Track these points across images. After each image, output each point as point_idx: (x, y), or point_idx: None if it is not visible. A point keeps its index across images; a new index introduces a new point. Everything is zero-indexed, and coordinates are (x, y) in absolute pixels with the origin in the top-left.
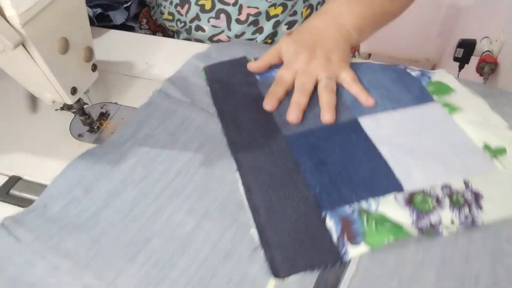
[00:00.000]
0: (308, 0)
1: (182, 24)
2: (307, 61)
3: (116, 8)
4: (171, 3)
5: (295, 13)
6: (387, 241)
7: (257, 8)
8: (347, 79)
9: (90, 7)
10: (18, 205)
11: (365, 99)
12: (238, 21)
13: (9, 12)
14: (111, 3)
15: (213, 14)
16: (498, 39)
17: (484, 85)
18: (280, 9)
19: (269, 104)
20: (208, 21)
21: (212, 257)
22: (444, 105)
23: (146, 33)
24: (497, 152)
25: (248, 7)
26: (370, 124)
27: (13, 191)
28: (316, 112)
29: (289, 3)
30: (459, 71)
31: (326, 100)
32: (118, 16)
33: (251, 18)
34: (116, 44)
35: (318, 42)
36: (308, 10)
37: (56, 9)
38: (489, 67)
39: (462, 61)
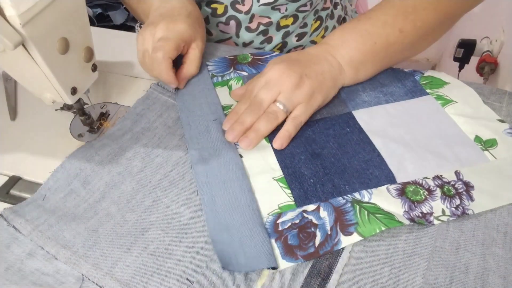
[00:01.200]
0: (318, 13)
1: None
2: (279, 72)
3: (116, 8)
4: None
5: (305, 25)
6: (379, 230)
7: (269, 18)
8: (292, 113)
9: (90, 7)
10: None
11: (278, 141)
12: (248, 29)
13: (9, 12)
14: (111, 3)
15: (223, 19)
16: (498, 39)
17: (484, 85)
18: (291, 20)
19: (231, 135)
20: (217, 26)
21: (207, 246)
22: (437, 98)
23: None
24: (487, 144)
25: (261, 16)
26: (364, 117)
27: (13, 191)
28: None
29: (301, 15)
30: (459, 71)
31: (256, 127)
32: (118, 16)
33: (261, 27)
34: (116, 44)
35: (302, 61)
36: (318, 22)
37: (56, 9)
38: (489, 67)
39: (462, 61)
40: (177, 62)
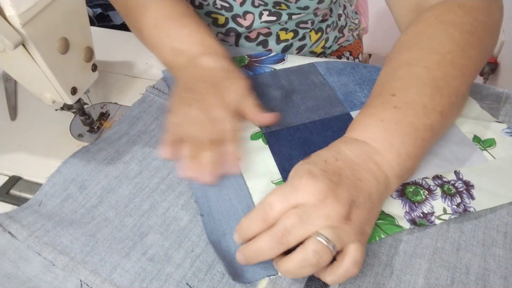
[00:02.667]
0: (314, 23)
1: None
2: (319, 196)
3: None
4: None
5: (304, 37)
6: (378, 238)
7: (268, 29)
8: (351, 257)
9: (90, 7)
10: (18, 205)
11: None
12: (247, 38)
13: (9, 12)
14: (111, 3)
15: (223, 30)
16: (498, 39)
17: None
18: (291, 34)
19: (235, 238)
20: (217, 35)
21: (207, 251)
22: None
23: None
24: (486, 144)
25: (261, 28)
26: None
27: (13, 191)
28: (308, 106)
29: (301, 31)
30: None
31: (285, 271)
32: (118, 16)
33: (261, 37)
34: (116, 44)
35: (345, 177)
36: (319, 34)
37: (56, 9)
38: (489, 67)
39: None
40: None
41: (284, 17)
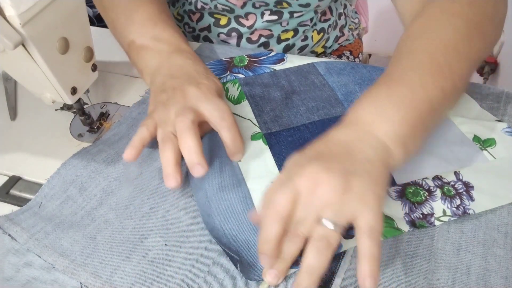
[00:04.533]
0: (316, 25)
1: (191, 29)
2: (312, 181)
3: None
4: (183, 4)
5: (306, 38)
6: None
7: (270, 31)
8: (363, 227)
9: (90, 7)
10: (18, 205)
11: (368, 280)
12: (249, 40)
13: (9, 12)
14: None
15: (225, 30)
16: (498, 39)
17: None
18: (291, 33)
19: (274, 279)
20: (218, 36)
21: (207, 253)
22: None
23: None
24: (486, 144)
25: (262, 29)
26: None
27: (13, 191)
28: (308, 106)
29: (301, 29)
30: None
31: (307, 265)
32: None
33: (262, 39)
34: (116, 44)
35: (336, 155)
36: (321, 34)
37: (56, 9)
38: (489, 67)
39: None
40: None
41: (286, 15)
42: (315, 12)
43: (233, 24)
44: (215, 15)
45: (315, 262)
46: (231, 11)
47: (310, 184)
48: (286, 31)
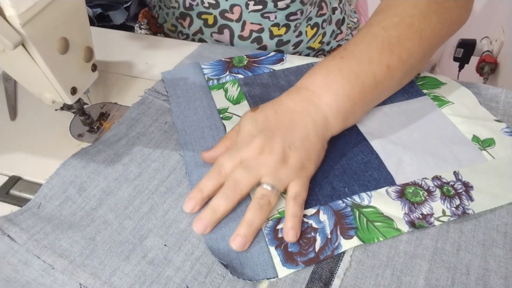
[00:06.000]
0: (311, 20)
1: (185, 36)
2: (257, 151)
3: (116, 8)
4: (173, 14)
5: (300, 33)
6: (377, 240)
7: (260, 24)
8: (291, 193)
9: (90, 7)
10: (18, 205)
11: (291, 232)
12: (241, 37)
13: (9, 12)
14: (111, 3)
15: (215, 29)
16: (498, 39)
17: (483, 84)
18: (283, 29)
19: (189, 205)
20: (211, 36)
21: (207, 253)
22: (434, 98)
23: (146, 33)
24: (485, 143)
25: (252, 23)
26: (361, 119)
27: (13, 191)
28: None
29: (292, 24)
30: (459, 71)
31: (249, 218)
32: (118, 16)
33: (254, 35)
34: (116, 44)
35: (281, 128)
36: (314, 29)
37: (56, 9)
38: (489, 67)
39: (462, 61)
40: None
41: (270, 4)
42: (302, 3)
43: (221, 21)
44: (202, 16)
45: (256, 216)
46: (217, 5)
47: (255, 154)
48: (277, 25)
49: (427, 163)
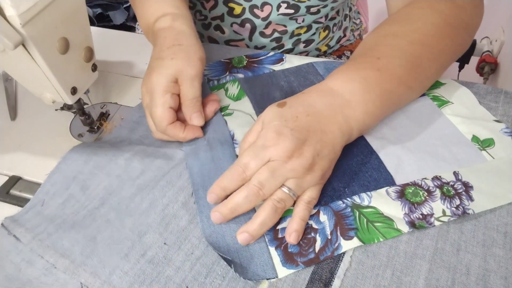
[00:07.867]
0: (322, 23)
1: (202, 17)
2: (287, 154)
3: (116, 8)
4: None
5: (314, 34)
6: (377, 241)
7: (285, 26)
8: (305, 196)
9: (90, 7)
10: (18, 205)
11: (294, 234)
12: (262, 34)
13: (9, 12)
14: (111, 3)
15: (238, 21)
16: (498, 39)
17: (484, 84)
18: (304, 29)
19: (211, 200)
20: (231, 26)
21: (207, 254)
22: (433, 98)
23: None
24: (485, 144)
25: (277, 24)
26: None
27: (13, 191)
28: None
29: (315, 26)
30: (459, 71)
31: (263, 219)
32: (118, 16)
33: (276, 34)
34: (116, 44)
35: (313, 132)
36: (326, 32)
37: (56, 9)
38: (489, 67)
39: (462, 61)
40: None
41: (303, 10)
42: (332, 8)
43: (247, 15)
44: (229, 4)
45: (269, 218)
46: None
47: (284, 157)
48: (301, 28)
49: (427, 163)
